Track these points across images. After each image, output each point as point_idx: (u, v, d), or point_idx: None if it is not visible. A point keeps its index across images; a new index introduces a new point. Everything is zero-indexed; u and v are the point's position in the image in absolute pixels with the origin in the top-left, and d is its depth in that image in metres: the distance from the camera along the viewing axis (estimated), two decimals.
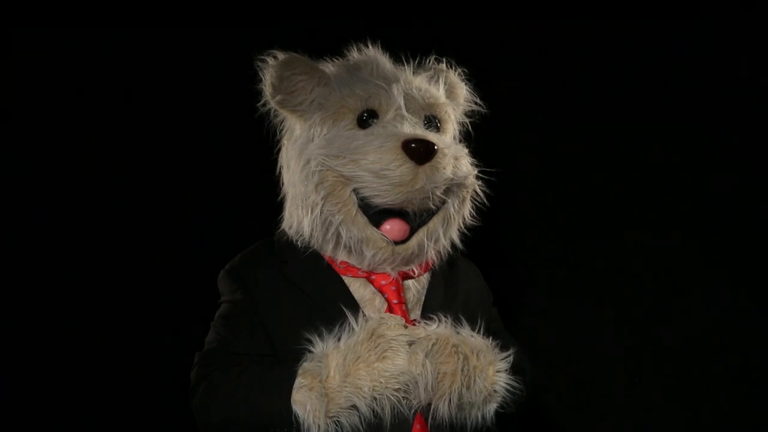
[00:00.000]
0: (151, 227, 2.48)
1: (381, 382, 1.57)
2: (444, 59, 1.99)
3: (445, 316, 1.70)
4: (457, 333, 1.68)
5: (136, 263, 2.46)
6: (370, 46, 1.92)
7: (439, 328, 1.66)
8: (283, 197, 1.88)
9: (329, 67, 1.90)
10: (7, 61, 2.38)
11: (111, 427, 2.40)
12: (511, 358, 1.69)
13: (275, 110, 1.88)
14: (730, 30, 2.54)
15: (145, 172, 2.48)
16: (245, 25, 2.47)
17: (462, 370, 1.61)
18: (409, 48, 1.96)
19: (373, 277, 1.78)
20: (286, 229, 1.85)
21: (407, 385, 1.58)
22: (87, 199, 2.44)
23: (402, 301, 1.77)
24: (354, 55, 1.93)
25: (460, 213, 1.83)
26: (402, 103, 1.76)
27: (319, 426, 1.56)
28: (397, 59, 1.93)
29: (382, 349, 1.58)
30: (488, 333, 1.78)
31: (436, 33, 2.29)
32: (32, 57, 2.41)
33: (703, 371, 2.52)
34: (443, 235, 1.80)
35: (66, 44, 2.42)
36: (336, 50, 1.96)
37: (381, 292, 1.77)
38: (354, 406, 1.57)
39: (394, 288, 1.77)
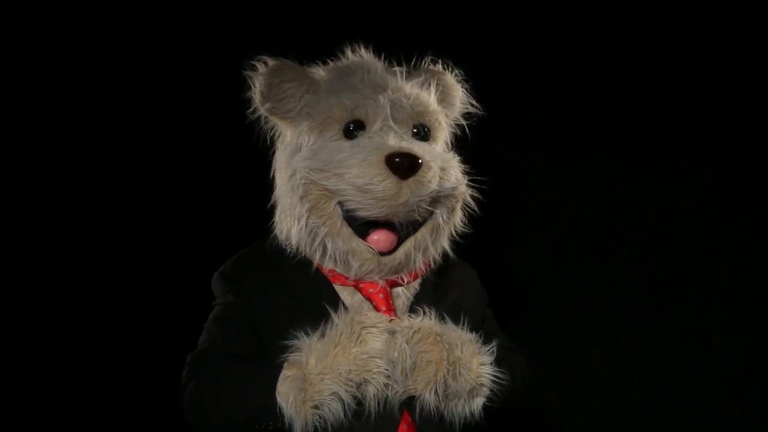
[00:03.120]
0: (147, 230, 2.50)
1: (358, 365, 1.56)
2: (440, 60, 1.96)
3: (430, 309, 1.70)
4: (442, 325, 1.67)
5: (132, 266, 2.48)
6: (363, 49, 1.89)
7: (423, 320, 1.66)
8: (275, 201, 1.86)
9: (320, 72, 1.88)
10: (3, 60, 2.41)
11: (107, 427, 2.44)
12: (494, 351, 1.68)
13: (266, 117, 1.87)
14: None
15: (141, 175, 2.50)
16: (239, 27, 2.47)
17: (447, 359, 1.61)
18: (405, 48, 1.93)
19: (362, 285, 1.78)
20: (278, 234, 1.84)
21: (388, 370, 1.57)
22: (85, 202, 2.47)
23: (391, 308, 1.77)
24: (348, 55, 1.90)
25: (450, 223, 1.81)
26: (389, 113, 1.74)
27: (301, 416, 1.56)
28: (391, 61, 1.90)
29: (360, 335, 1.58)
30: (482, 333, 1.75)
31: (434, 32, 2.26)
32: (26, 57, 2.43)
33: (704, 372, 2.50)
34: (432, 245, 1.79)
35: (61, 46, 2.43)
36: (331, 51, 1.94)
37: (369, 299, 1.77)
38: (335, 394, 1.56)
39: (382, 296, 1.77)
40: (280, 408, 1.58)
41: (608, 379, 2.57)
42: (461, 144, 1.96)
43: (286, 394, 1.57)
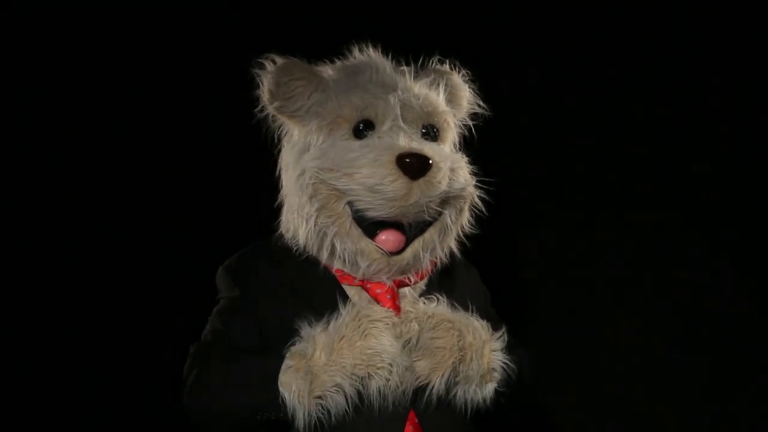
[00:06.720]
0: (151, 227, 2.50)
1: (363, 360, 1.58)
2: (447, 60, 1.95)
3: (441, 296, 1.73)
4: (453, 312, 1.70)
5: (137, 263, 2.48)
6: (371, 48, 1.89)
7: (437, 306, 1.69)
8: (282, 200, 1.86)
9: (328, 71, 1.87)
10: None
11: (108, 426, 2.44)
12: (505, 337, 1.72)
13: (273, 116, 1.86)
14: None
15: (145, 173, 2.50)
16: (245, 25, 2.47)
17: (458, 345, 1.63)
18: (413, 47, 1.92)
19: (369, 285, 1.78)
20: (284, 233, 1.84)
21: (391, 365, 1.59)
22: (88, 201, 2.48)
23: (397, 309, 1.76)
24: (355, 55, 1.90)
25: (458, 223, 1.81)
26: (399, 113, 1.73)
27: (304, 407, 1.57)
28: (399, 60, 1.89)
29: (365, 329, 1.59)
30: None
31: (441, 32, 2.26)
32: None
33: (704, 372, 2.51)
34: (439, 245, 1.79)
35: (66, 48, 2.44)
36: (337, 50, 1.93)
37: (376, 300, 1.77)
38: (339, 386, 1.57)
39: (389, 296, 1.77)
40: (282, 398, 1.58)
41: (609, 379, 2.58)
42: (468, 144, 1.96)
43: (289, 384, 1.58)
